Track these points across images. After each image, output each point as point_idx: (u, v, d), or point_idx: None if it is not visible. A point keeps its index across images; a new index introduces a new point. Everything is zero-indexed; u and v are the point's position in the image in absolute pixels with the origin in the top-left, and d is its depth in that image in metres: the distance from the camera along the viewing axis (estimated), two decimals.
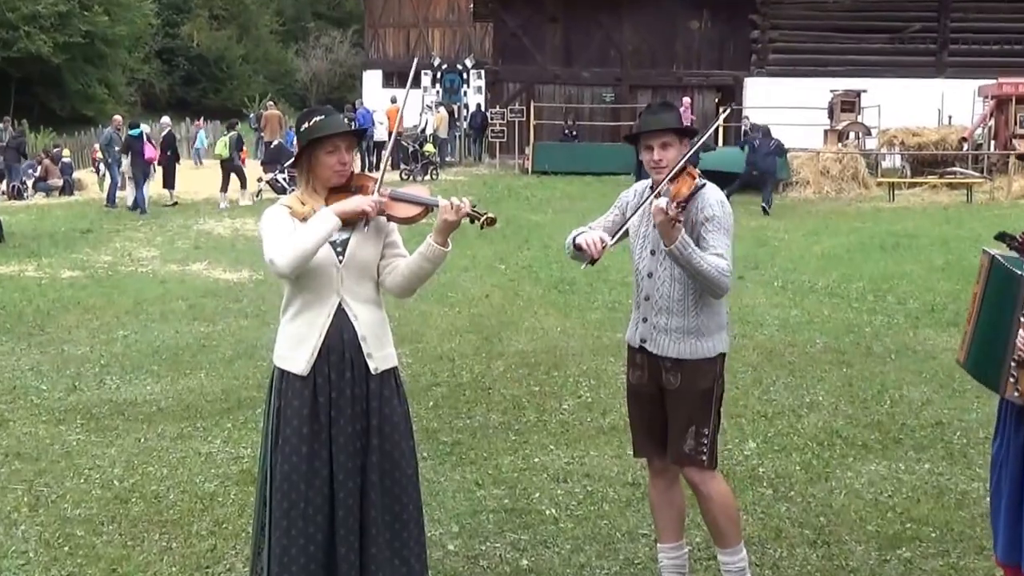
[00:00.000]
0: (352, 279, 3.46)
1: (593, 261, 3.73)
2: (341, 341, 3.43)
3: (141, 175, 19.49)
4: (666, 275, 3.78)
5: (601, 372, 7.53)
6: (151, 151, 19.98)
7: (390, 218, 3.52)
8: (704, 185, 3.72)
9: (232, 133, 21.69)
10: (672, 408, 3.83)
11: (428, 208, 3.48)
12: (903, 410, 6.55)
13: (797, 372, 7.53)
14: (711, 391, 3.79)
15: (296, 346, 3.44)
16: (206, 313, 9.91)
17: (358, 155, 27.44)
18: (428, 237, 3.45)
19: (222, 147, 21.10)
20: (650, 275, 3.83)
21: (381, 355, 3.51)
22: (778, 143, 19.90)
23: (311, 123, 3.46)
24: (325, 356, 3.42)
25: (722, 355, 3.84)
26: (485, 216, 3.40)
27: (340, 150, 3.48)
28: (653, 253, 3.82)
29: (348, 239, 3.47)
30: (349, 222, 3.47)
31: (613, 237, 3.83)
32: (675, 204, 3.55)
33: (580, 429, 6.23)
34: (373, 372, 3.47)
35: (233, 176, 20.74)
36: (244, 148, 21.54)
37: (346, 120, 27.28)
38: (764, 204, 18.76)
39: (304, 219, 3.43)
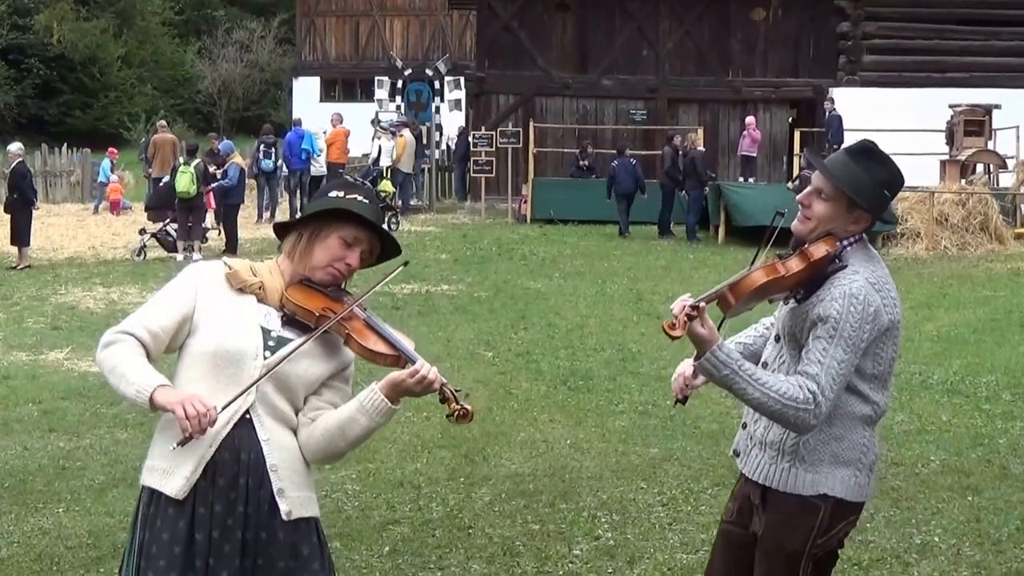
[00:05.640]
0: (274, 388, 3.50)
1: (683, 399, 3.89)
2: (236, 461, 3.44)
3: None
4: (782, 369, 3.84)
5: (627, 503, 7.58)
6: None
7: (349, 341, 3.58)
8: (842, 266, 3.70)
9: (196, 162, 22.03)
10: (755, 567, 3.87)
11: (401, 360, 3.57)
12: None
13: (903, 502, 7.58)
14: (799, 554, 3.74)
15: (174, 456, 3.42)
16: (68, 422, 9.92)
17: (286, 196, 27.56)
18: (375, 384, 3.50)
19: (188, 182, 21.29)
20: (765, 364, 3.94)
21: (297, 497, 3.51)
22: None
23: (345, 193, 3.60)
24: (211, 477, 3.42)
25: (833, 501, 3.74)
26: (459, 408, 3.48)
27: (358, 248, 3.61)
28: (778, 340, 3.93)
29: (290, 339, 3.54)
30: (299, 324, 3.56)
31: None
32: (690, 305, 3.56)
33: None
34: (285, 517, 3.47)
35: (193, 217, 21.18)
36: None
37: (268, 150, 27.00)
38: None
39: (242, 291, 3.53)
